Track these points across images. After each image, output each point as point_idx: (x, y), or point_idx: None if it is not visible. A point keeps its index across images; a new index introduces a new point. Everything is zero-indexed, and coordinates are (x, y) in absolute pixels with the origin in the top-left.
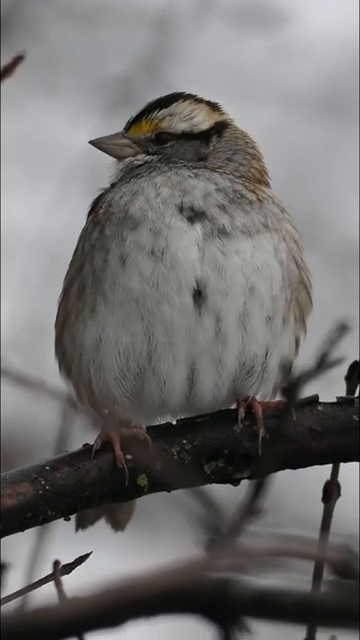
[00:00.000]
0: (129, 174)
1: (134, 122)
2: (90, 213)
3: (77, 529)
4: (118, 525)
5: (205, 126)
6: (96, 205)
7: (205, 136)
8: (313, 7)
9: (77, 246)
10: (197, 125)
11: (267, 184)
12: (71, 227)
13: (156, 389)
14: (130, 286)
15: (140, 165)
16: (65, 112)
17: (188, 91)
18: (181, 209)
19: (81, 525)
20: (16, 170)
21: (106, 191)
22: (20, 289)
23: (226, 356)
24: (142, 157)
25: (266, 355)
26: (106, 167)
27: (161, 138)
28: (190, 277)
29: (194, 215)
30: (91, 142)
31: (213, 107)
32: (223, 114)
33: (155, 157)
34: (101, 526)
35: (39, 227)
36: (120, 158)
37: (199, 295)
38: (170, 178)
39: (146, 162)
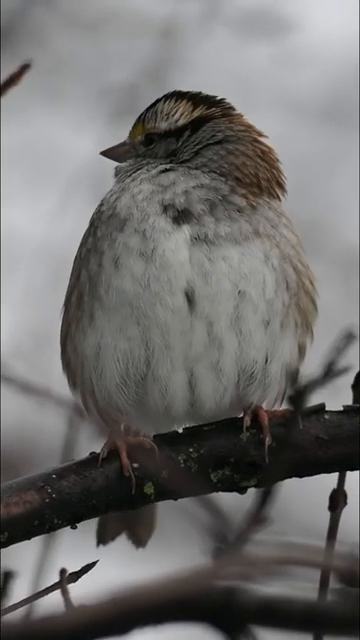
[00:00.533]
0: (123, 177)
1: (133, 127)
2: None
3: (98, 544)
4: (139, 542)
5: (181, 122)
6: None
7: (181, 132)
8: (317, 15)
9: (76, 254)
10: (175, 122)
11: (272, 186)
12: (75, 235)
13: (159, 395)
14: (123, 287)
15: (131, 167)
16: (69, 120)
17: (180, 89)
18: (165, 207)
19: (102, 540)
20: (20, 177)
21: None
22: (24, 297)
23: (223, 361)
24: (132, 160)
25: (266, 361)
26: (110, 175)
27: (148, 139)
28: (180, 277)
29: (179, 215)
30: (100, 152)
31: (197, 103)
32: (209, 109)
33: (142, 158)
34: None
35: (43, 235)
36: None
37: (189, 299)
38: (150, 174)
39: (136, 163)
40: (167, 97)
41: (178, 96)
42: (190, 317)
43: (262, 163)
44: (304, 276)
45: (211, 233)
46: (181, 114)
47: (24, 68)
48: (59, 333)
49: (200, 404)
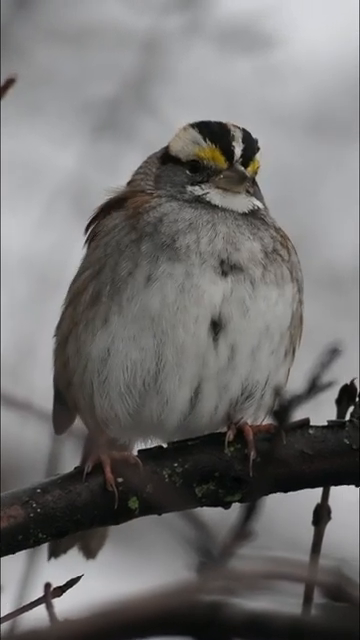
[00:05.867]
0: (198, 201)
1: (250, 160)
2: (116, 203)
3: (50, 558)
4: (90, 553)
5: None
6: (132, 198)
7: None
8: (300, 28)
9: (98, 243)
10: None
11: None
12: (58, 248)
13: (157, 407)
14: (149, 305)
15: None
16: (51, 134)
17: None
18: (222, 263)
19: (54, 554)
20: (2, 191)
21: (159, 193)
22: (6, 309)
23: (233, 382)
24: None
25: (266, 383)
26: (91, 189)
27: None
28: (208, 314)
29: (230, 269)
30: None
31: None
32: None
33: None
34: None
35: (26, 248)
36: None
37: (215, 327)
38: (229, 229)
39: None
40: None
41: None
42: (211, 341)
43: None
44: (302, 308)
45: (259, 276)
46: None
47: (9, 82)
48: (57, 328)
49: (196, 419)
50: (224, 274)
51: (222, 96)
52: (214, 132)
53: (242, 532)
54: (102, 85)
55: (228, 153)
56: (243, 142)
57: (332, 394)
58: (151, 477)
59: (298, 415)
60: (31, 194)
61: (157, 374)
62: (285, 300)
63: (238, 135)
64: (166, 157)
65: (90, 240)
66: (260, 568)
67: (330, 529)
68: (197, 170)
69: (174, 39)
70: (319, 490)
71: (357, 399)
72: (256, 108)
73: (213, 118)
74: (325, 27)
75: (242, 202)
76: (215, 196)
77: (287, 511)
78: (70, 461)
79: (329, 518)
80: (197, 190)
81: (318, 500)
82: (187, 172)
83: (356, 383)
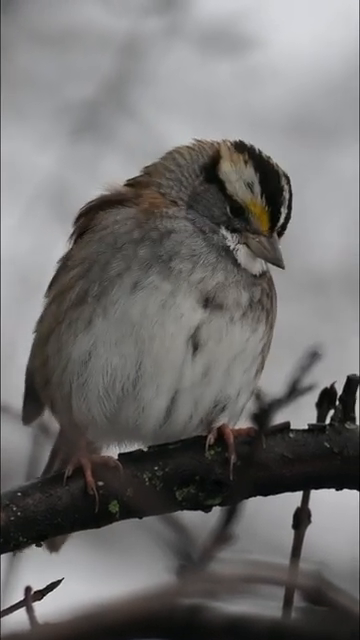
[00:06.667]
0: (212, 232)
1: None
2: (117, 202)
3: (50, 552)
4: (53, 547)
5: None
6: (151, 194)
7: None
8: (280, 30)
9: (92, 237)
10: None
11: None
12: (37, 249)
13: (133, 413)
14: (130, 313)
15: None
16: (30, 136)
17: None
18: (207, 299)
19: (52, 549)
20: None
21: (185, 206)
22: None
23: (206, 395)
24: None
25: (237, 395)
26: (70, 190)
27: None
28: (184, 333)
29: (213, 306)
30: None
31: None
32: None
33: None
34: (72, 552)
35: (5, 249)
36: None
37: (194, 345)
38: (226, 280)
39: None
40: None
41: None
42: (188, 357)
43: None
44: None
45: (236, 317)
46: None
47: None
48: (38, 323)
49: (171, 426)
50: (205, 307)
51: (202, 98)
52: (270, 190)
53: (222, 535)
54: (82, 87)
55: (274, 219)
56: (288, 207)
57: (312, 398)
58: (131, 481)
59: (278, 419)
60: (10, 196)
61: (136, 381)
62: (256, 337)
63: (286, 197)
64: (211, 174)
65: (78, 235)
66: (240, 571)
67: (310, 533)
68: (238, 215)
69: (154, 41)
70: (299, 494)
71: (337, 403)
72: (236, 110)
73: (191, 120)
74: (306, 29)
75: (258, 266)
76: (241, 255)
77: (267, 515)
78: (49, 464)
79: (309, 522)
80: (229, 241)
81: (298, 504)
82: (228, 210)
83: (336, 387)
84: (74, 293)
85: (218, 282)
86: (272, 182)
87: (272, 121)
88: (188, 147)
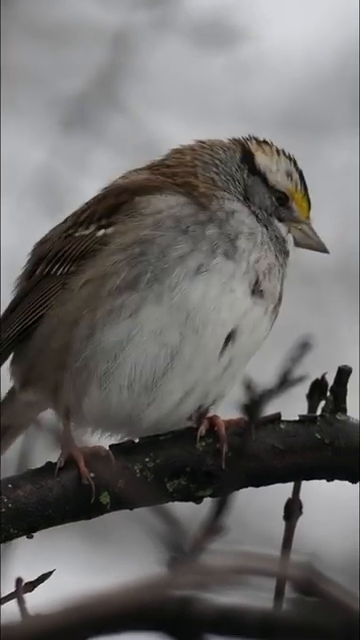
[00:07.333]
0: (269, 223)
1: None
2: (154, 188)
3: None
4: None
5: None
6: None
7: None
8: (272, 24)
9: (140, 223)
10: None
11: None
12: (26, 242)
13: (142, 406)
14: (190, 296)
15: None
16: (22, 128)
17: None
18: (256, 282)
19: None
20: None
21: (234, 189)
22: None
23: (216, 390)
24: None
25: (224, 396)
26: (59, 184)
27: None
28: (233, 323)
29: (257, 293)
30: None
31: None
32: None
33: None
34: (63, 543)
35: None
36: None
37: (229, 337)
38: (277, 262)
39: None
40: None
41: None
42: (220, 353)
43: None
44: None
45: (268, 310)
46: None
47: None
48: (59, 306)
49: (167, 419)
50: (252, 293)
51: (194, 92)
52: (301, 177)
53: (213, 527)
54: (72, 81)
55: (309, 205)
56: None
57: (303, 389)
58: (122, 472)
59: (269, 409)
60: (1, 189)
61: (163, 374)
62: (268, 333)
63: (306, 182)
64: (253, 167)
65: (106, 223)
66: (231, 563)
67: (301, 524)
68: (283, 204)
69: (145, 35)
70: (290, 485)
71: (328, 394)
72: (228, 104)
73: (183, 114)
74: (297, 22)
75: (296, 256)
76: (290, 243)
77: (258, 506)
78: (41, 455)
79: (300, 513)
80: (282, 229)
81: (289, 495)
82: (274, 200)
83: (327, 378)
84: (119, 279)
85: (269, 263)
86: (297, 169)
87: (264, 115)
88: (212, 144)
